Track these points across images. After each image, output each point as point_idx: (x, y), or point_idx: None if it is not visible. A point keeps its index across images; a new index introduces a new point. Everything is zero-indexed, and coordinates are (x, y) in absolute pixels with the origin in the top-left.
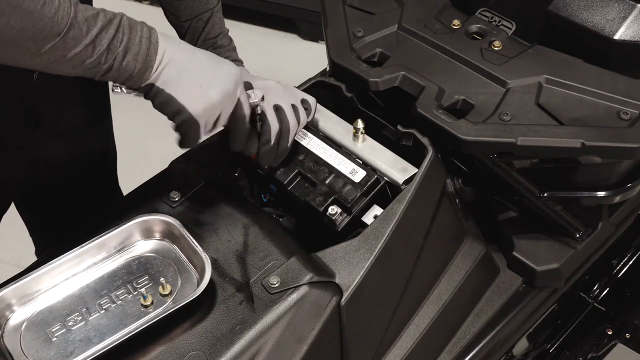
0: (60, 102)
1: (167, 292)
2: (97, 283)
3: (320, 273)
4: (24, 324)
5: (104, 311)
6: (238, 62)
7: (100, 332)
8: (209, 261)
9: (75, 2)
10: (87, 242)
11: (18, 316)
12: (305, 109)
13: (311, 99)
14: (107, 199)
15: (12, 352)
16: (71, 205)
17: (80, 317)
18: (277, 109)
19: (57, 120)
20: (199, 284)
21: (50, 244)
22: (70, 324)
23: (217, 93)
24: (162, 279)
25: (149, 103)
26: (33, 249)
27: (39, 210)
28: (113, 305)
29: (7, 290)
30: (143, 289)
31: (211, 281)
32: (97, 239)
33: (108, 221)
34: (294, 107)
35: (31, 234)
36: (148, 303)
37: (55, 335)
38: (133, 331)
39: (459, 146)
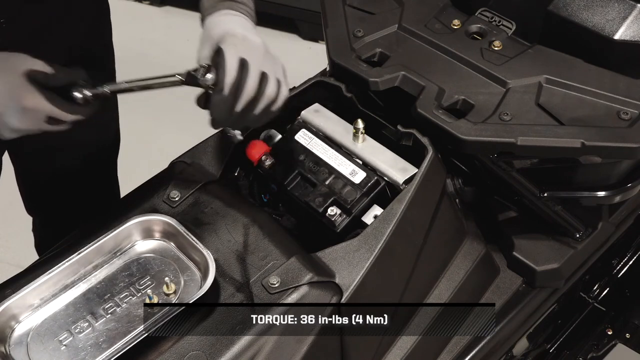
0: None
1: (171, 291)
2: (99, 288)
3: (320, 273)
4: (29, 334)
5: (110, 315)
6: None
7: (109, 337)
8: (212, 257)
9: None
10: (86, 247)
11: (22, 327)
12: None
13: (284, 92)
14: (105, 183)
15: None
16: (69, 183)
17: (87, 324)
18: (243, 65)
19: None
20: (202, 281)
21: (46, 218)
22: (77, 331)
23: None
24: (166, 278)
25: (149, 104)
26: (33, 249)
27: (37, 181)
28: (118, 309)
29: (10, 302)
30: (149, 290)
31: (215, 277)
32: (95, 243)
33: (107, 221)
34: (263, 75)
35: (28, 211)
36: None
37: (64, 343)
38: (143, 332)
39: (459, 146)
